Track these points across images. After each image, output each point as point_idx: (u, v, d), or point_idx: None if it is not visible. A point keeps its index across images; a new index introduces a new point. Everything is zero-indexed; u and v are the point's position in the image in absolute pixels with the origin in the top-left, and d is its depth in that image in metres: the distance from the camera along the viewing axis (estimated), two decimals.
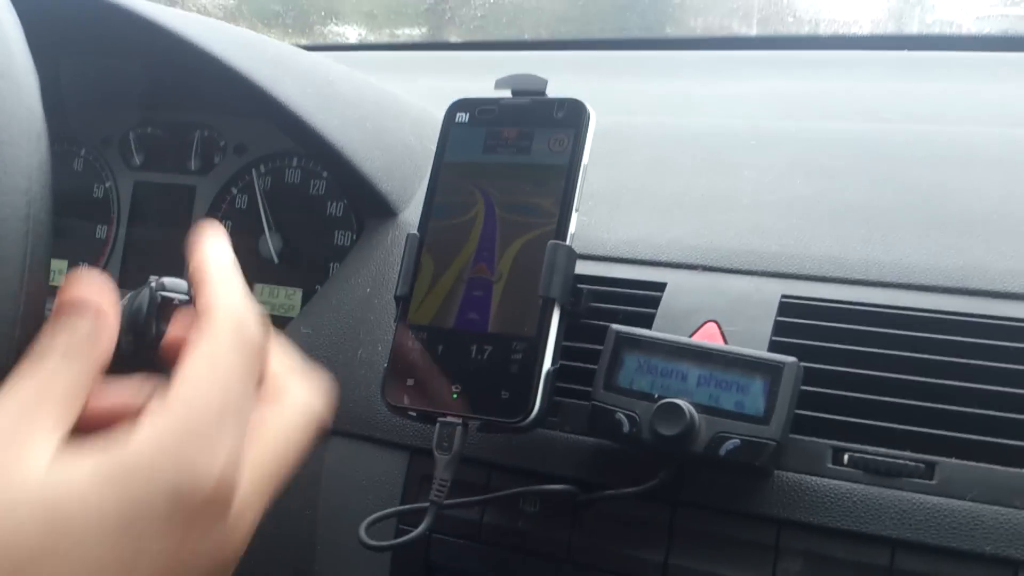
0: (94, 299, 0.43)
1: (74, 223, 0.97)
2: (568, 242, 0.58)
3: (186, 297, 0.59)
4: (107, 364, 0.43)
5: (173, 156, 0.97)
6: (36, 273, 0.42)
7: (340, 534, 0.67)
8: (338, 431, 0.69)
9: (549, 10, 1.55)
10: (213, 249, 0.47)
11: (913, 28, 1.14)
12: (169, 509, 0.37)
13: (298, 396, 0.45)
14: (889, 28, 1.14)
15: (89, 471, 0.37)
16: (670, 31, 1.35)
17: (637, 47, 1.20)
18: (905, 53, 0.99)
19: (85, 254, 0.97)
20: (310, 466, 0.69)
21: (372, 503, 0.65)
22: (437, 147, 0.65)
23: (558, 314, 0.57)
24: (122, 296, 0.63)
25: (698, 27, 1.36)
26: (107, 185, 0.99)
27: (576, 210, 0.59)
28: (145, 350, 0.59)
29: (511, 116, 0.63)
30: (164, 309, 0.59)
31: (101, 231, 0.98)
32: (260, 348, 0.43)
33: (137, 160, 0.98)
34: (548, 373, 0.56)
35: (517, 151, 0.62)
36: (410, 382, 0.59)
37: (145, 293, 0.59)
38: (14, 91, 0.41)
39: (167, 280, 0.59)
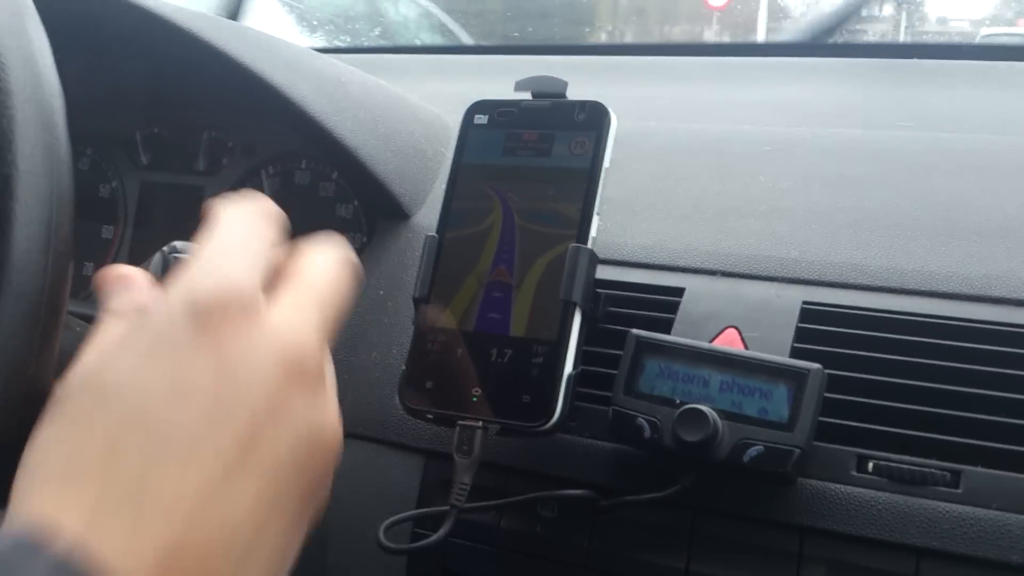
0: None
1: (80, 223, 0.96)
2: (589, 245, 0.58)
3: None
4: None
5: (180, 156, 0.96)
6: (55, 306, 0.41)
7: (354, 537, 0.66)
8: (352, 434, 0.68)
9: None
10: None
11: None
12: (186, 316, 0.39)
13: (319, 250, 0.47)
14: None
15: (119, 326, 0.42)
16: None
17: (647, 52, 1.19)
18: (917, 61, 0.99)
19: (91, 254, 0.96)
20: None
21: (386, 506, 0.64)
22: (455, 149, 0.64)
23: (579, 318, 0.57)
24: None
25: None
26: (113, 185, 0.98)
27: (597, 213, 0.59)
28: None
29: (531, 118, 0.63)
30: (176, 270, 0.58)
31: (107, 231, 0.97)
32: (269, 217, 0.45)
33: (144, 160, 0.98)
34: (569, 377, 0.56)
35: (537, 154, 0.62)
36: (429, 385, 0.59)
37: (158, 258, 0.59)
38: (39, 117, 0.40)
39: (179, 243, 0.59)
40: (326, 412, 0.44)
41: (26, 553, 0.33)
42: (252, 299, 0.41)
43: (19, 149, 0.39)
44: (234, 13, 1.32)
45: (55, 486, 0.37)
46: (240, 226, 0.44)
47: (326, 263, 0.47)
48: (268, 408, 0.40)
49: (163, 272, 0.58)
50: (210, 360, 0.39)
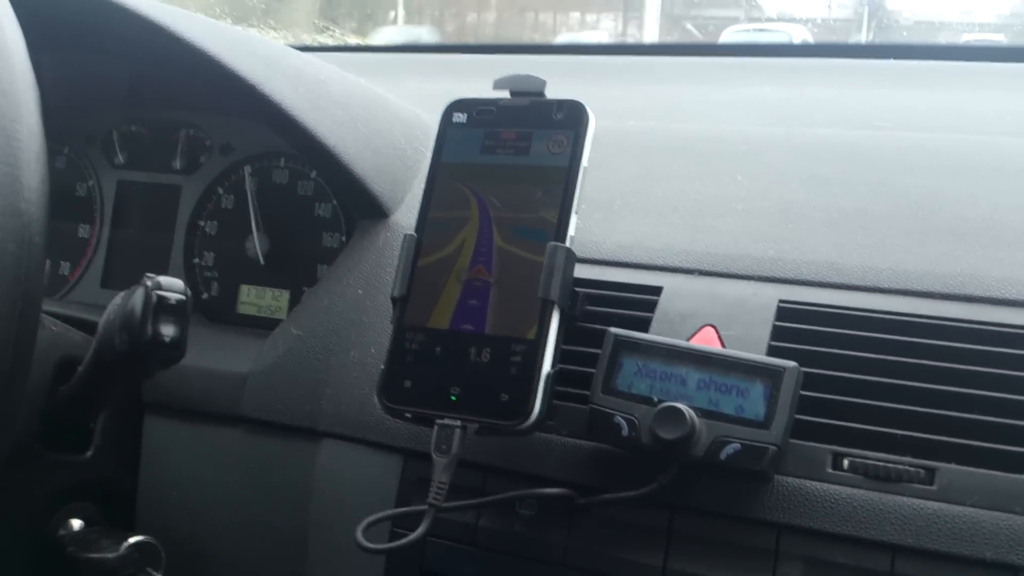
0: None
1: (56, 222, 0.95)
2: (568, 244, 0.58)
3: (182, 297, 0.58)
4: None
5: (157, 155, 0.95)
6: (30, 297, 0.41)
7: (332, 537, 0.66)
8: (331, 433, 0.68)
9: None
10: None
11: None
12: None
13: None
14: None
15: None
16: None
17: (625, 52, 1.20)
18: (893, 62, 0.99)
19: (68, 254, 0.96)
20: (301, 468, 0.69)
21: (365, 506, 0.64)
22: (434, 148, 0.64)
23: (557, 316, 0.57)
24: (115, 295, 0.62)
25: None
26: (90, 184, 0.98)
27: (575, 212, 0.59)
28: (139, 349, 0.59)
29: (510, 117, 0.63)
30: (159, 309, 0.58)
31: (84, 230, 0.97)
32: None
33: (121, 158, 0.97)
34: (548, 376, 0.56)
35: (516, 152, 0.62)
36: (407, 384, 0.59)
37: (140, 292, 0.59)
38: (14, 110, 0.40)
39: (163, 279, 0.59)
40: None
41: None
42: None
43: None
44: None
45: None
46: None
47: None
48: None
49: (144, 307, 0.58)
50: None
